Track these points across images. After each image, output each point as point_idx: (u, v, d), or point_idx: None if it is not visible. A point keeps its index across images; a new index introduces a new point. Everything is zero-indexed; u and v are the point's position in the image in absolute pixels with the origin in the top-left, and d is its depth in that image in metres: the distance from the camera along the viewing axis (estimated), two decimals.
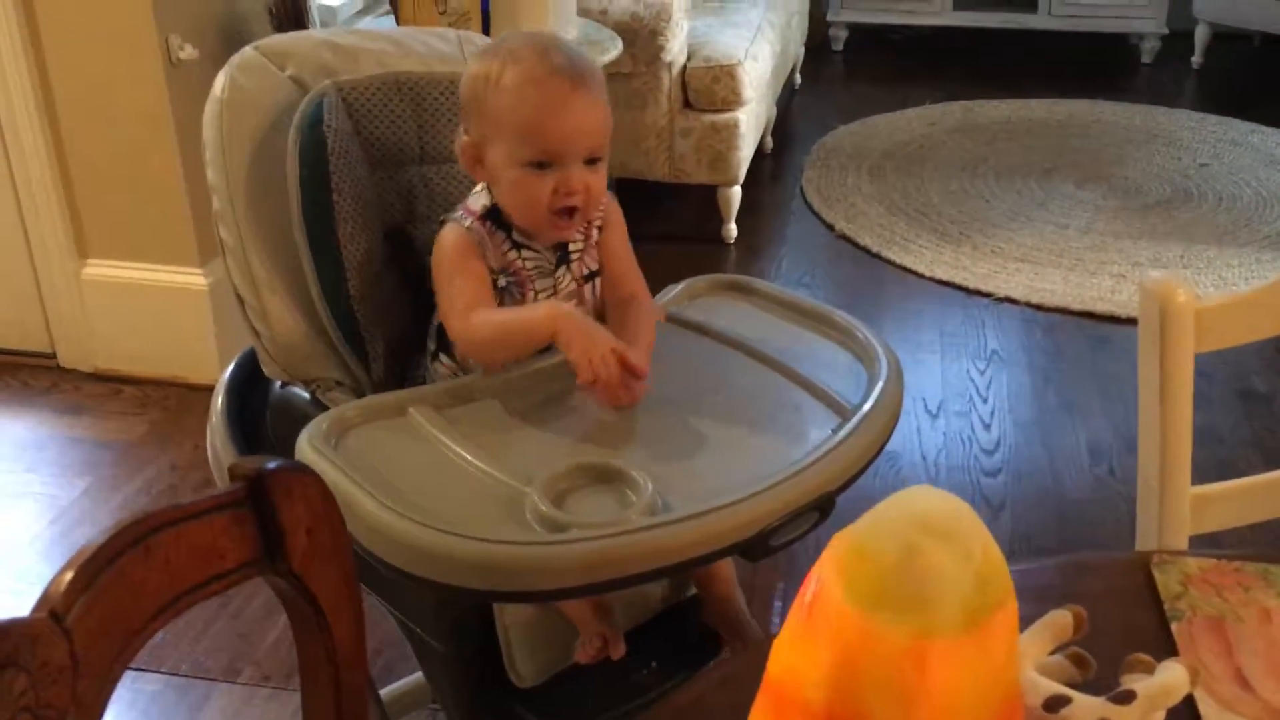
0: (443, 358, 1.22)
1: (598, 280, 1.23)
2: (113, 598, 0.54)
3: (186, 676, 1.77)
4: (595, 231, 1.23)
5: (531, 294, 1.19)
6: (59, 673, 0.50)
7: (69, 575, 0.53)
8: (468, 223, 1.18)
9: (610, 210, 1.24)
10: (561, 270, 1.21)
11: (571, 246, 1.21)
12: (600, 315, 1.21)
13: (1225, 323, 0.99)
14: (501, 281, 1.18)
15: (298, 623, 0.69)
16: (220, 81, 1.22)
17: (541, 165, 1.12)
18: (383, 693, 1.58)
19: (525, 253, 1.19)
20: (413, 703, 1.65)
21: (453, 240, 1.17)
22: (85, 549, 0.54)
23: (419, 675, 1.63)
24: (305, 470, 0.66)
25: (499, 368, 1.16)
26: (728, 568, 1.24)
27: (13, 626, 0.49)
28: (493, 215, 1.18)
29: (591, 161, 1.14)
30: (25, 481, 2.20)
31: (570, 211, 1.14)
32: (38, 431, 2.34)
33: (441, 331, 1.21)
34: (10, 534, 2.06)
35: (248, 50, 1.25)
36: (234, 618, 1.86)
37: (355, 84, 1.25)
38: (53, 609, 0.51)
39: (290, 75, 1.26)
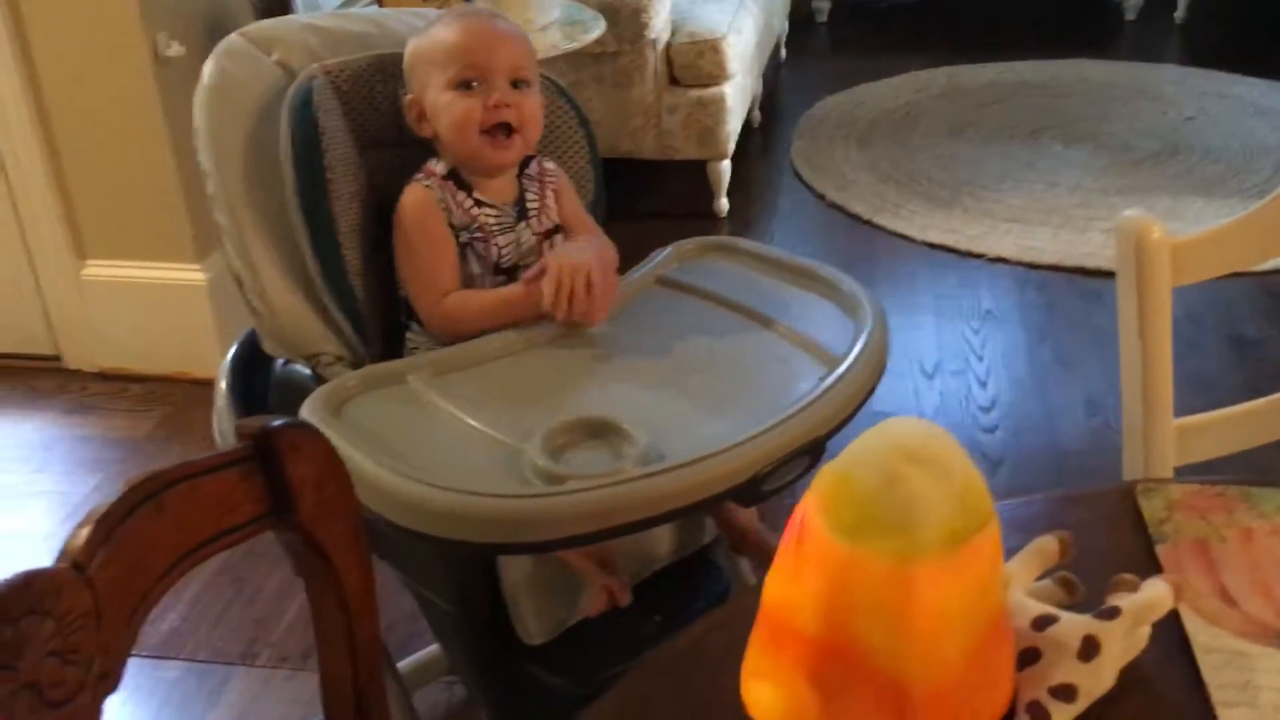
0: (413, 325, 1.27)
1: (556, 238, 1.29)
2: (130, 550, 0.56)
3: (205, 662, 1.80)
4: (551, 193, 1.30)
5: (495, 249, 1.25)
6: (83, 619, 0.53)
7: (86, 529, 0.55)
8: (428, 182, 1.25)
9: (560, 177, 1.33)
10: (521, 225, 1.27)
11: (529, 203, 1.28)
12: None
13: (1200, 257, 1.02)
14: (464, 238, 1.24)
15: (309, 577, 0.71)
16: (208, 69, 1.24)
17: (469, 85, 1.21)
18: (399, 665, 1.61)
19: (486, 209, 1.26)
20: (428, 675, 1.68)
21: (415, 200, 1.24)
22: (100, 505, 0.57)
23: (432, 649, 1.66)
24: (310, 428, 0.68)
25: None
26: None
27: (37, 576, 0.51)
28: (454, 176, 1.26)
29: (518, 85, 1.23)
30: (36, 481, 2.23)
31: (504, 130, 1.22)
32: (46, 432, 2.37)
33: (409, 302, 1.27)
34: (24, 532, 2.09)
35: (233, 37, 1.28)
36: (249, 602, 1.89)
37: (342, 66, 1.28)
38: (74, 560, 0.54)
39: (276, 60, 1.28)
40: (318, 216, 1.20)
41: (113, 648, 0.55)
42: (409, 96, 1.26)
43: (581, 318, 1.17)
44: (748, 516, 1.28)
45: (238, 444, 0.65)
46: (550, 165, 1.33)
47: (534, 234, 1.28)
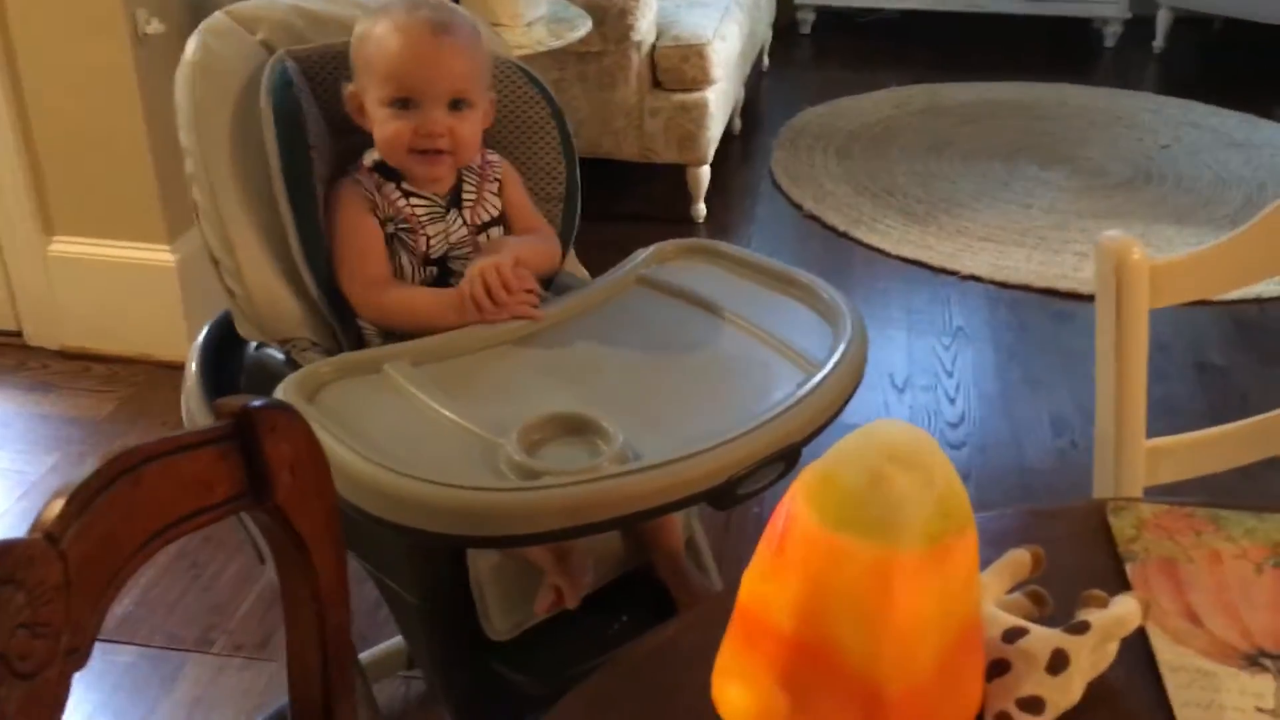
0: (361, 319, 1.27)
1: (491, 232, 1.30)
2: (105, 524, 0.55)
3: (159, 648, 1.77)
4: (493, 184, 1.30)
5: (424, 239, 1.26)
6: (54, 592, 0.52)
7: (61, 501, 0.54)
8: (357, 175, 1.25)
9: (505, 168, 1.32)
10: (453, 214, 1.27)
11: (465, 193, 1.28)
12: None
13: (1178, 280, 1.03)
14: (391, 229, 1.25)
15: (282, 560, 0.70)
16: (192, 45, 1.23)
17: (405, 105, 1.20)
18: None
19: (414, 200, 1.26)
20: (386, 669, 1.67)
21: (343, 195, 1.25)
22: (76, 478, 0.56)
23: (391, 642, 1.65)
24: (289, 409, 0.67)
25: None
26: (674, 527, 1.28)
27: (11, 546, 0.50)
28: (381, 168, 1.26)
29: (456, 106, 1.22)
30: None
31: (435, 153, 1.21)
32: (5, 409, 2.33)
33: None
34: None
35: (218, 15, 1.27)
36: (206, 589, 1.87)
37: (309, 52, 1.28)
38: (47, 532, 0.53)
39: (261, 40, 1.27)
40: (302, 196, 1.19)
41: (82, 623, 0.54)
42: (351, 88, 1.26)
43: (493, 315, 1.17)
44: (675, 544, 1.28)
45: (217, 422, 0.64)
46: (494, 157, 1.32)
47: (466, 225, 1.28)
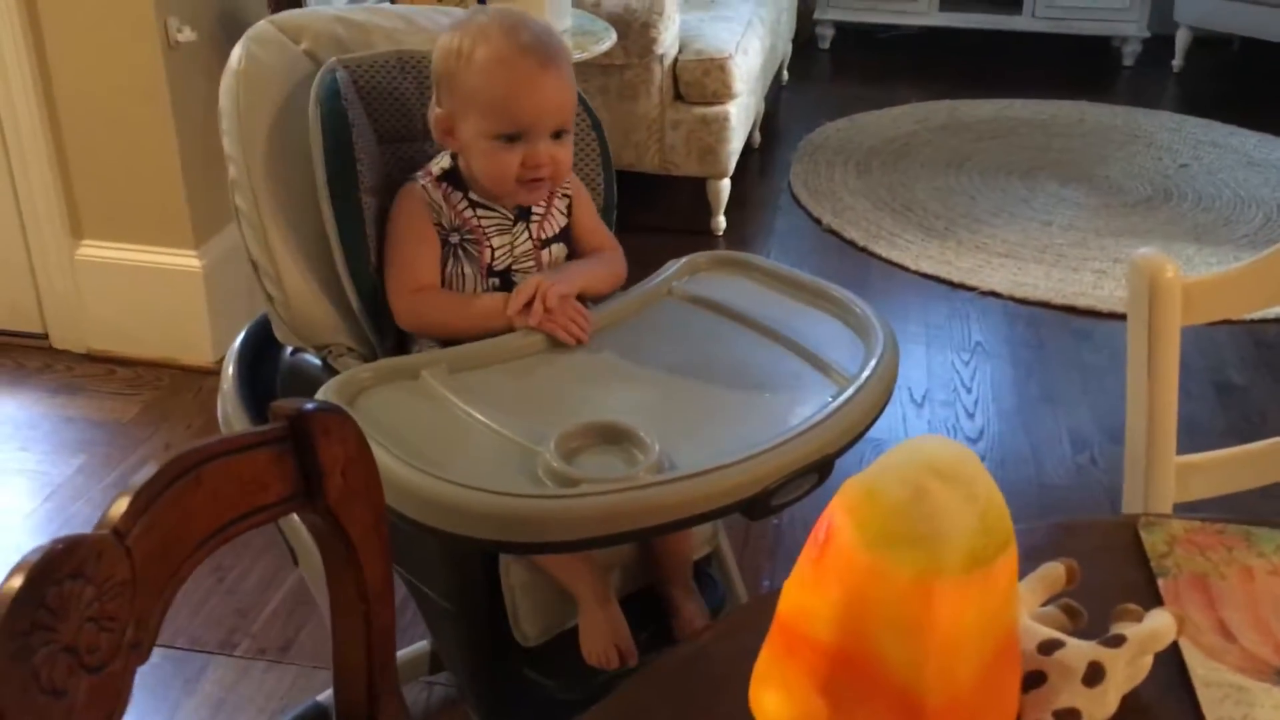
0: None
1: (554, 248, 1.30)
2: (168, 521, 0.57)
3: (183, 649, 1.79)
4: (562, 200, 1.30)
5: (488, 250, 1.26)
6: (121, 587, 0.53)
7: (127, 499, 0.55)
8: (423, 182, 1.25)
9: (575, 185, 1.32)
10: (520, 227, 1.27)
11: (534, 207, 1.28)
12: None
13: (1210, 298, 1.03)
14: (455, 239, 1.25)
15: (330, 561, 0.71)
16: (237, 54, 1.25)
17: (511, 138, 1.20)
18: None
19: (482, 211, 1.26)
20: (407, 674, 1.67)
21: (407, 200, 1.25)
22: (140, 476, 0.57)
23: (415, 646, 1.66)
24: (342, 413, 0.69)
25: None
26: (684, 544, 1.29)
27: (80, 541, 0.52)
28: (450, 177, 1.26)
29: (558, 135, 1.22)
30: (19, 459, 2.21)
31: (538, 180, 1.22)
32: (31, 411, 2.35)
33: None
34: (3, 510, 2.08)
35: (262, 24, 1.29)
36: (230, 592, 1.88)
37: (360, 60, 1.29)
38: (114, 528, 0.54)
39: (305, 49, 1.29)
40: (346, 206, 1.21)
41: (145, 618, 0.55)
42: (439, 111, 1.24)
43: (522, 323, 1.19)
44: (685, 562, 1.28)
45: (273, 424, 0.65)
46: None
47: (532, 240, 1.28)
